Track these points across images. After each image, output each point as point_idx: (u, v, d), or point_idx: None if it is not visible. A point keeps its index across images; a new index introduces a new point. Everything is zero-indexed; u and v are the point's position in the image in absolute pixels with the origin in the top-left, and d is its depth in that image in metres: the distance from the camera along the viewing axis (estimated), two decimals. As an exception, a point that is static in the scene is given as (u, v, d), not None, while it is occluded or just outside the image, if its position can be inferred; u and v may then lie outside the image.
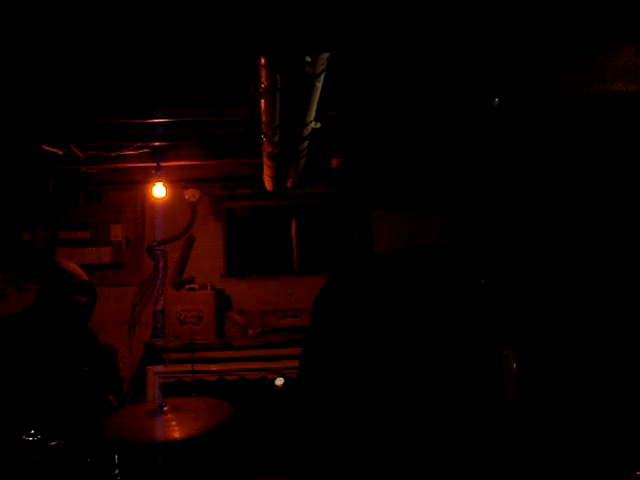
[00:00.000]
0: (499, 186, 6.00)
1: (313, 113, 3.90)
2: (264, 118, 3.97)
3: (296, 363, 1.58)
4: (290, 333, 5.66)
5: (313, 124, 4.07)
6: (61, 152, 5.02)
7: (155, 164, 5.36)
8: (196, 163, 5.69)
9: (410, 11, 3.32)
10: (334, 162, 5.67)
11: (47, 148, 4.94)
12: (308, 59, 3.13)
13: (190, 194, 5.95)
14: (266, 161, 4.89)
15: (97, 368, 3.12)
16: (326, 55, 3.15)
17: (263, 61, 3.22)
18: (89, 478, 2.54)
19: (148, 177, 5.54)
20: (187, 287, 5.64)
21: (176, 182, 5.83)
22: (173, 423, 2.73)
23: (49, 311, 3.01)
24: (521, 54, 3.85)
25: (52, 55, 3.71)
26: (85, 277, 3.12)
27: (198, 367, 4.93)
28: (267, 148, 4.54)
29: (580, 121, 5.01)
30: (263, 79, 3.40)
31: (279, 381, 3.81)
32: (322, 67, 3.24)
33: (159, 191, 5.47)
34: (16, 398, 2.78)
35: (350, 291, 1.51)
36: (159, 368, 5.24)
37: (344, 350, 1.43)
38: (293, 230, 6.21)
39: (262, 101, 3.72)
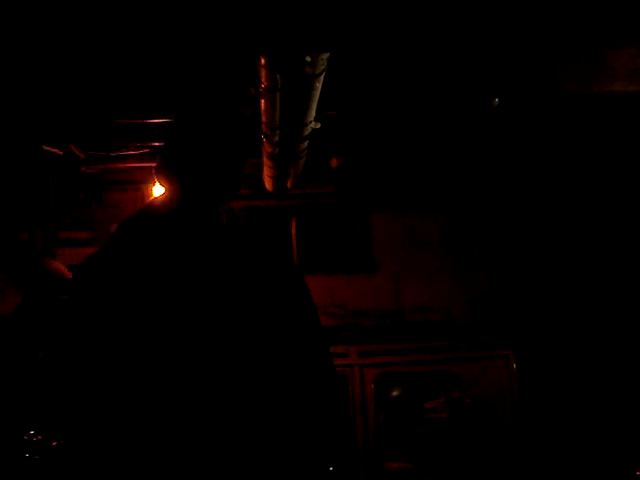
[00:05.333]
0: (500, 186, 5.99)
1: (313, 113, 3.90)
2: (264, 118, 3.97)
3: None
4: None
5: (313, 124, 4.07)
6: (61, 152, 5.02)
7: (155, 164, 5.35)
8: (196, 163, 5.68)
9: (410, 11, 3.32)
10: (334, 162, 5.67)
11: (47, 148, 4.94)
12: (308, 59, 3.14)
13: (190, 194, 5.95)
14: (266, 161, 4.89)
15: None
16: (326, 55, 3.16)
17: (263, 61, 3.22)
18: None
19: (148, 177, 5.52)
20: (187, 287, 5.63)
21: (176, 182, 5.82)
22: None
23: (36, 310, 3.01)
24: (521, 54, 3.85)
25: (52, 55, 3.71)
26: (69, 275, 3.11)
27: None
28: (267, 148, 4.54)
29: (580, 121, 5.01)
30: (263, 79, 3.40)
31: None
32: (322, 67, 3.25)
33: (159, 191, 5.46)
34: (15, 398, 2.78)
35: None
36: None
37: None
38: (293, 230, 6.20)
39: (262, 101, 3.72)
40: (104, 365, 1.43)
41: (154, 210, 1.59)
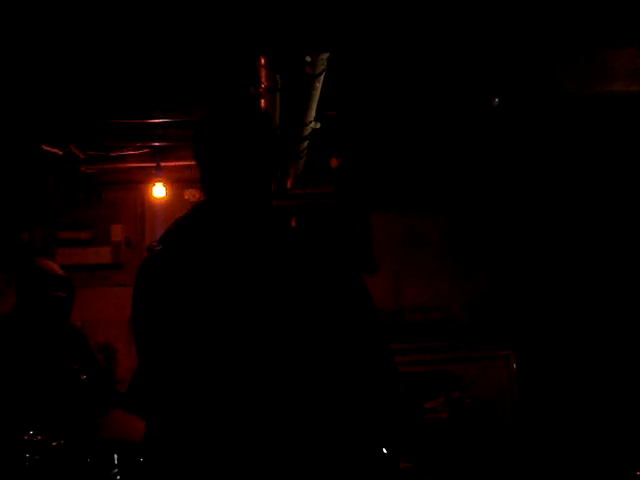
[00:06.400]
0: (500, 186, 5.99)
1: (313, 113, 3.90)
2: (264, 118, 3.96)
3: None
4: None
5: (313, 124, 4.07)
6: (61, 152, 5.02)
7: (155, 164, 5.36)
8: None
9: (410, 11, 3.32)
10: (334, 162, 5.67)
11: (47, 148, 4.94)
12: (308, 59, 3.14)
13: (190, 194, 5.95)
14: (266, 161, 4.88)
15: (86, 366, 3.11)
16: (326, 55, 3.16)
17: (263, 61, 3.23)
18: (89, 478, 2.54)
19: (148, 177, 5.53)
20: (187, 287, 5.63)
21: (176, 182, 5.82)
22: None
23: (31, 309, 3.00)
24: (521, 54, 3.85)
25: (52, 55, 3.70)
26: (62, 273, 3.12)
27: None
28: (267, 148, 4.53)
29: (580, 121, 5.01)
30: (263, 79, 3.40)
31: None
32: (322, 67, 3.25)
33: (159, 191, 5.46)
34: (16, 398, 2.78)
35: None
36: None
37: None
38: (293, 230, 6.20)
39: (262, 101, 3.72)
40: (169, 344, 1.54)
41: (210, 208, 1.64)
